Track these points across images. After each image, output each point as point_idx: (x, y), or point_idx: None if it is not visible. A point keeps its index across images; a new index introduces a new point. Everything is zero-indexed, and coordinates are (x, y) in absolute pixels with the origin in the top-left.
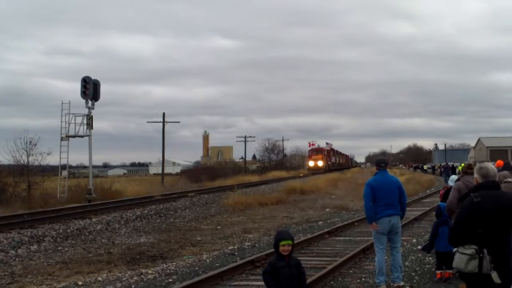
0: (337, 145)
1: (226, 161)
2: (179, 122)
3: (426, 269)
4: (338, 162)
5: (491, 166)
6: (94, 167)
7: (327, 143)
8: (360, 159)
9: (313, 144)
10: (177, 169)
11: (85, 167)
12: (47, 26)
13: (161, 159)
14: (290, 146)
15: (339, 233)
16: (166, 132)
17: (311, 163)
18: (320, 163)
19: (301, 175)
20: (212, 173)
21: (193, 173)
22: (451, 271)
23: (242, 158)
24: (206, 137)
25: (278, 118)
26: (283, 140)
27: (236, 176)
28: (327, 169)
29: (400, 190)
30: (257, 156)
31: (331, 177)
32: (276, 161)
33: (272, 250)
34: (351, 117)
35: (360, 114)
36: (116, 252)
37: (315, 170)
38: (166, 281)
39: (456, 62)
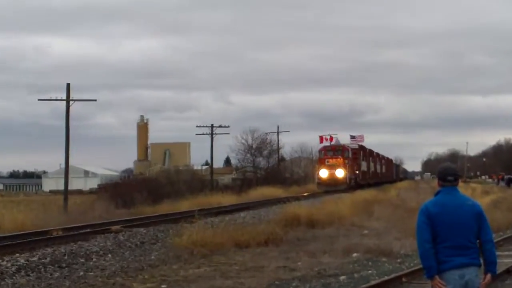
0: (372, 141)
1: (178, 169)
2: (95, 100)
3: None
4: (374, 171)
5: None
6: None
7: (352, 137)
8: (414, 165)
9: (327, 139)
10: (93, 183)
11: None
12: None
13: (63, 166)
14: (290, 143)
15: None
16: (73, 119)
17: (323, 173)
18: (340, 173)
19: (306, 194)
20: (154, 190)
21: (120, 189)
22: None
23: (206, 163)
24: (143, 128)
25: (270, 94)
26: (278, 133)
27: (196, 196)
28: (352, 183)
29: (479, 220)
30: (234, 161)
31: (362, 198)
32: (267, 169)
33: None
34: (397, 92)
35: (413, 88)
36: None
37: (332, 185)
38: None
39: None
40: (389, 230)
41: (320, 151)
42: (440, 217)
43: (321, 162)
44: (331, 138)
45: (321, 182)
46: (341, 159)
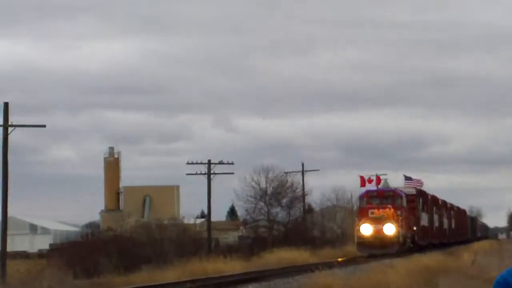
0: (437, 184)
1: (162, 223)
2: (44, 126)
3: None
4: (439, 227)
5: None
6: None
7: (408, 179)
8: (497, 218)
9: (371, 181)
10: (43, 243)
11: None
12: None
13: (0, 217)
14: (320, 187)
15: None
16: (14, 152)
17: (366, 229)
18: (390, 229)
19: (342, 259)
20: (127, 252)
21: (80, 251)
22: None
23: (202, 216)
24: (113, 165)
25: (291, 118)
26: (303, 173)
27: (187, 261)
28: (407, 244)
29: None
30: (241, 212)
31: (422, 265)
32: (287, 224)
33: None
34: (474, 116)
35: (497, 110)
36: None
37: (378, 247)
38: None
39: None
40: None
41: (361, 198)
42: None
43: (362, 213)
44: (378, 180)
45: (362, 242)
46: (392, 209)
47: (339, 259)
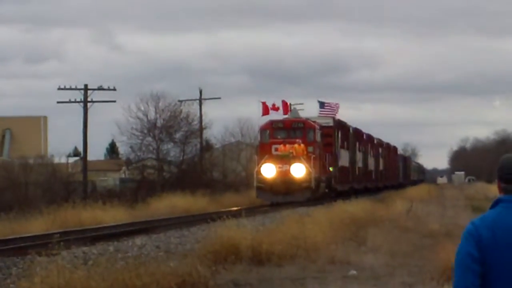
0: (364, 115)
1: (26, 163)
2: None
3: None
4: (364, 168)
5: None
6: None
7: (323, 106)
8: (436, 159)
9: (277, 109)
10: None
11: None
12: None
13: None
14: (223, 119)
15: None
16: None
17: (268, 170)
18: (299, 170)
19: (246, 207)
20: None
21: None
22: None
23: (76, 154)
24: None
25: (188, 34)
26: (201, 102)
27: (57, 208)
28: (322, 190)
29: None
30: (124, 149)
31: (346, 215)
32: (181, 165)
33: None
34: (414, 33)
35: (443, 26)
36: None
37: (283, 192)
38: None
39: None
40: (394, 270)
41: (262, 130)
42: (495, 247)
43: (264, 150)
44: (285, 108)
45: (263, 187)
46: (302, 145)
47: (245, 207)
